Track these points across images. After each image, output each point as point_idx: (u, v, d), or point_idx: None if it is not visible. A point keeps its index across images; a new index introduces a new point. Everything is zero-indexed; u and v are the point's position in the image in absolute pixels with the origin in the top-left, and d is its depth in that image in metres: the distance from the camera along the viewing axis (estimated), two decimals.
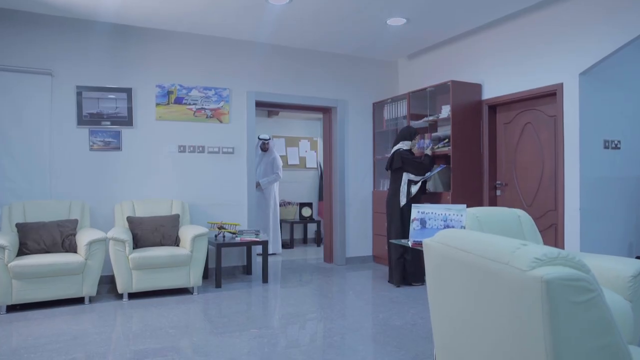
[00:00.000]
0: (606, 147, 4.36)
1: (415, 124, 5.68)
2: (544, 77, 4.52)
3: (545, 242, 4.43)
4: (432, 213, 2.82)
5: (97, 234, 4.26)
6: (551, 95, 4.52)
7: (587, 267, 1.23)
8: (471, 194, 5.11)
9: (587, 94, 4.24)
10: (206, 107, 5.46)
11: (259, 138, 7.24)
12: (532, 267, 1.24)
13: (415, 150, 5.17)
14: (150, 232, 4.70)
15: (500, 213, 3.04)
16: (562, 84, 4.35)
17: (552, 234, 4.52)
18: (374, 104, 6.39)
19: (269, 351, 3.10)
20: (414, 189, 4.97)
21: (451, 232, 1.77)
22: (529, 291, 1.23)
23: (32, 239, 4.26)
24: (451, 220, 2.74)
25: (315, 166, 8.73)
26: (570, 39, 4.28)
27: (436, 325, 2.02)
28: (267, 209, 7.20)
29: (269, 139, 7.39)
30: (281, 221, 8.00)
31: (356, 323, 3.71)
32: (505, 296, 1.36)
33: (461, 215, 2.73)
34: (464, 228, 2.72)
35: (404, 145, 5.07)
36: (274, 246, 7.22)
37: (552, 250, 1.26)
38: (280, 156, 7.93)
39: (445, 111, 5.21)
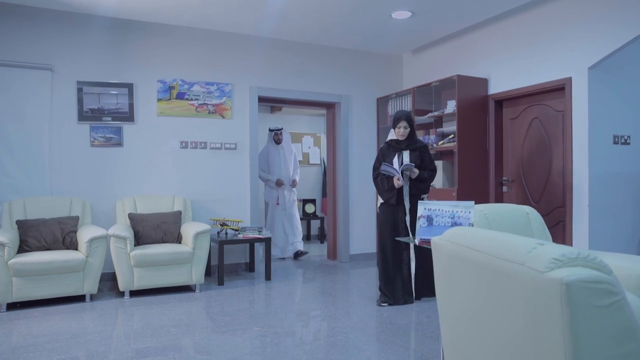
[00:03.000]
0: (615, 143, 4.27)
1: (420, 119, 5.60)
2: (552, 71, 4.43)
3: (553, 240, 4.35)
4: (439, 210, 2.74)
5: (98, 231, 4.21)
6: (559, 89, 4.43)
7: (609, 268, 1.16)
8: (477, 191, 5.03)
9: (596, 88, 4.16)
10: (208, 102, 5.39)
11: (270, 130, 6.67)
12: (550, 268, 1.17)
13: (398, 135, 4.19)
14: (151, 229, 4.64)
15: (508, 210, 2.97)
16: (570, 78, 4.26)
17: (559, 231, 4.44)
18: (378, 99, 6.31)
19: (272, 350, 3.04)
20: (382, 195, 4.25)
21: (462, 231, 1.70)
22: (547, 294, 1.16)
23: (32, 236, 4.22)
24: (459, 218, 2.67)
25: (319, 162, 8.65)
26: (579, 32, 4.19)
27: (445, 326, 1.95)
28: (294, 208, 6.61)
29: (282, 128, 6.69)
30: None
31: (360, 321, 3.65)
32: (520, 299, 1.29)
33: (469, 212, 2.65)
34: (472, 225, 2.65)
35: (390, 135, 4.47)
36: (298, 247, 6.56)
37: (572, 250, 1.19)
38: None
39: (451, 106, 5.13)
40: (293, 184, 6.59)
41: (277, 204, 6.50)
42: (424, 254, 4.10)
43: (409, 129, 4.16)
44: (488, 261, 1.47)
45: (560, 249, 1.21)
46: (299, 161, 8.32)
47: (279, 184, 6.46)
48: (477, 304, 1.61)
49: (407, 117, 4.16)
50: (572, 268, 1.14)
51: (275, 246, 6.42)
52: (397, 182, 4.05)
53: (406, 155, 4.17)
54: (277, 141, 6.60)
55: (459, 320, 1.79)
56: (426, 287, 4.24)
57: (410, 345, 3.12)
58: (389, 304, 4.09)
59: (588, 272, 1.12)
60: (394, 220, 4.17)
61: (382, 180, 4.19)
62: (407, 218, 4.12)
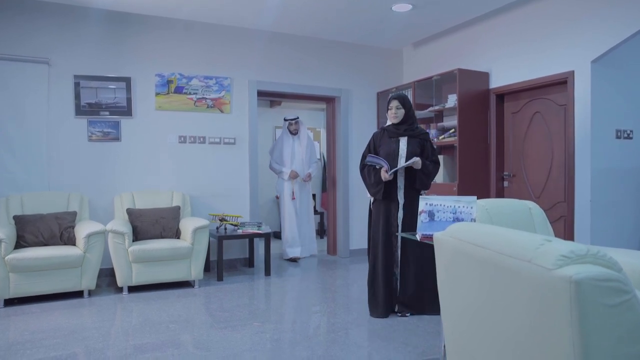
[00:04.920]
0: (618, 137, 4.24)
1: (421, 113, 5.55)
2: (554, 65, 4.38)
3: (555, 236, 4.32)
4: (440, 205, 2.71)
5: (96, 227, 4.17)
6: (561, 83, 4.39)
7: (619, 265, 1.13)
8: (478, 185, 4.99)
9: (599, 82, 4.11)
10: (207, 96, 5.34)
11: (285, 119, 6.18)
12: (558, 265, 1.13)
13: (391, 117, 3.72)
14: (150, 225, 4.60)
15: (510, 205, 2.93)
16: (573, 71, 4.21)
17: (561, 226, 4.41)
18: (378, 93, 6.26)
19: (272, 347, 3.01)
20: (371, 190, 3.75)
21: (465, 226, 1.67)
22: (556, 292, 1.12)
23: (29, 231, 4.18)
24: (461, 213, 2.63)
25: (319, 157, 8.61)
26: (582, 25, 4.14)
27: (447, 323, 1.92)
28: (310, 205, 6.17)
29: (297, 118, 6.17)
30: None
31: (360, 317, 3.62)
32: (526, 296, 1.26)
33: (471, 208, 2.62)
34: (474, 221, 2.61)
35: (388, 121, 3.87)
36: (311, 247, 6.18)
37: (580, 247, 1.15)
38: None
39: (452, 100, 5.08)
40: (307, 177, 6.05)
41: (293, 198, 6.01)
42: (419, 259, 3.62)
43: (402, 110, 3.63)
44: (493, 257, 1.44)
45: (568, 246, 1.17)
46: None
47: (292, 176, 5.96)
48: (481, 301, 1.58)
49: (399, 97, 3.63)
50: (581, 265, 1.11)
51: (287, 245, 5.96)
52: (385, 174, 3.54)
53: (403, 141, 3.65)
54: (293, 131, 6.09)
55: (462, 317, 1.76)
56: (420, 301, 3.61)
57: (411, 342, 3.09)
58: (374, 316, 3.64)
59: (598, 270, 1.09)
60: (387, 218, 3.66)
61: (368, 172, 3.69)
62: (400, 214, 3.63)
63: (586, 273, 1.07)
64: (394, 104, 3.65)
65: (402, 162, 3.60)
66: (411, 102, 3.74)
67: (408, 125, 3.67)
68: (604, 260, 1.13)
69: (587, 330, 1.06)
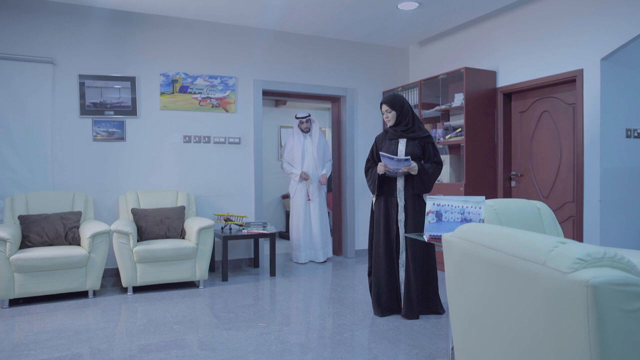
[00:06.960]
0: (628, 136, 4.18)
1: (427, 113, 5.50)
2: (563, 63, 4.33)
3: (564, 236, 4.26)
4: (448, 205, 2.66)
5: (101, 227, 4.15)
6: (570, 82, 4.33)
7: (638, 268, 1.08)
8: (485, 185, 4.94)
9: (609, 80, 4.06)
10: (212, 96, 5.32)
11: (296, 117, 5.89)
12: (574, 269, 1.09)
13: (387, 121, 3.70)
14: (155, 225, 4.59)
15: (518, 205, 2.89)
16: (582, 70, 4.16)
17: (570, 227, 4.35)
18: (384, 92, 6.22)
19: (277, 348, 2.98)
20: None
21: (475, 227, 1.63)
22: (571, 297, 1.08)
23: (34, 231, 4.17)
24: (469, 213, 2.59)
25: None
26: (591, 22, 4.08)
27: (455, 326, 1.88)
28: (324, 208, 5.92)
29: (309, 115, 5.87)
30: (287, 212, 7.73)
31: (367, 319, 3.58)
32: (539, 301, 1.22)
33: (479, 208, 2.57)
34: (483, 221, 2.57)
35: None
36: (325, 251, 5.90)
37: (597, 250, 1.11)
38: None
39: (459, 99, 5.03)
40: (322, 180, 5.80)
41: (309, 199, 5.76)
42: (422, 261, 3.58)
43: (393, 112, 3.58)
44: (504, 260, 1.40)
45: (584, 248, 1.13)
46: None
47: (303, 177, 5.73)
48: (490, 303, 1.54)
49: (387, 99, 3.59)
50: (598, 269, 1.07)
51: (296, 249, 5.78)
52: (380, 167, 3.51)
53: (402, 143, 3.59)
54: (304, 130, 5.83)
55: (470, 320, 1.72)
56: (424, 303, 3.61)
57: (419, 344, 3.05)
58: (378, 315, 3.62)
59: (616, 274, 1.05)
60: (387, 219, 3.62)
61: (371, 171, 3.69)
62: (402, 216, 3.58)
63: (604, 277, 1.03)
64: (383, 107, 3.64)
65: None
66: (404, 100, 3.64)
67: (405, 125, 3.60)
68: (621, 263, 1.08)
69: (604, 336, 1.02)
